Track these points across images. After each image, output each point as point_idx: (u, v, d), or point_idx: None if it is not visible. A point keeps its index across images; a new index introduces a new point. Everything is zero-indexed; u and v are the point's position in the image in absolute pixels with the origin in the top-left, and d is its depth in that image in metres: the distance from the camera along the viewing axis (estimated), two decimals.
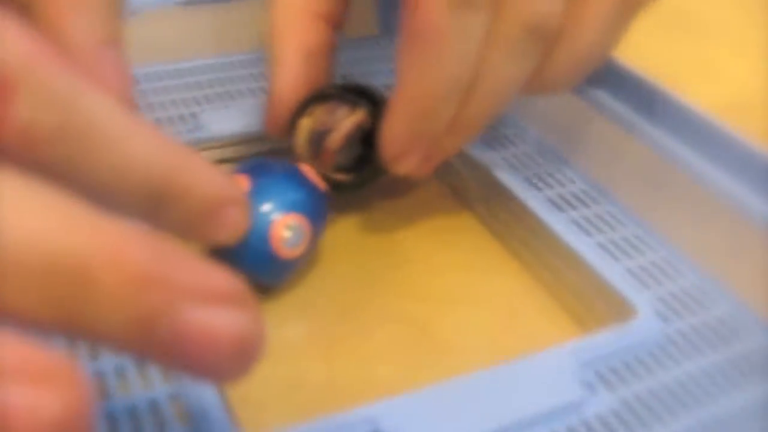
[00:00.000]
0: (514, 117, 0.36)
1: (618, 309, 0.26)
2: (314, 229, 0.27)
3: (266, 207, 0.26)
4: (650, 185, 0.30)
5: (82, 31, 0.21)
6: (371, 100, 0.29)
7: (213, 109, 0.36)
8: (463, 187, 0.34)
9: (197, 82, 0.38)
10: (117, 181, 0.17)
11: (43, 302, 0.13)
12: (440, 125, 0.27)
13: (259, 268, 0.26)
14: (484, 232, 0.32)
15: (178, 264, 0.14)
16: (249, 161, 0.28)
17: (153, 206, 0.18)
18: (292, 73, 0.30)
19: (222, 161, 0.34)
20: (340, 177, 0.29)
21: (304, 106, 0.29)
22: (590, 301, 0.27)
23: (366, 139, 0.29)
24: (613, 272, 0.27)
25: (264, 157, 0.31)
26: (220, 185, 0.20)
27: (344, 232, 0.31)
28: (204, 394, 0.22)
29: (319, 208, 0.28)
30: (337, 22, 0.32)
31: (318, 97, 0.29)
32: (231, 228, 0.21)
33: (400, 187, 0.34)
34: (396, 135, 0.27)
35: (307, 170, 0.28)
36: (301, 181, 0.27)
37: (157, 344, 0.14)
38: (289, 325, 0.27)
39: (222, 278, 0.15)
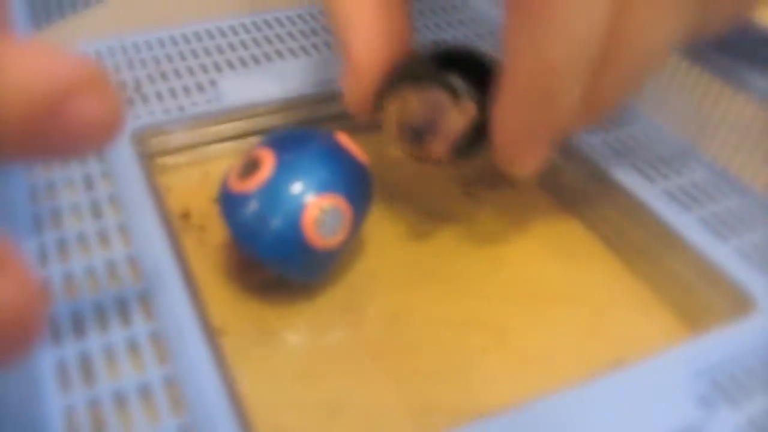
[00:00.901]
0: None
1: (732, 300, 0.21)
2: (356, 213, 0.22)
3: (295, 187, 0.22)
4: None
5: None
6: (473, 72, 0.23)
7: (234, 75, 0.31)
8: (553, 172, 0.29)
9: (217, 45, 0.33)
10: None
11: None
12: (566, 108, 0.20)
13: (291, 261, 0.22)
14: (564, 213, 0.27)
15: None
16: (275, 134, 0.24)
17: None
18: (369, 31, 0.23)
19: (244, 135, 0.29)
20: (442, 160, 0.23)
21: (390, 83, 0.23)
22: (698, 292, 0.22)
23: (475, 126, 0.23)
24: (723, 254, 0.22)
25: (292, 128, 0.26)
26: (50, 65, 0.13)
27: (393, 215, 0.26)
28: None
29: (361, 187, 0.23)
30: None
31: (407, 74, 0.23)
32: (88, 132, 0.14)
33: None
34: (511, 128, 0.21)
35: (345, 140, 0.23)
36: (338, 154, 0.23)
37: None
38: (332, 332, 0.23)
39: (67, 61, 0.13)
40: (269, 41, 0.33)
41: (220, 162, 0.28)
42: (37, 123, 0.13)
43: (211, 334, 0.20)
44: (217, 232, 0.25)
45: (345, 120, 0.27)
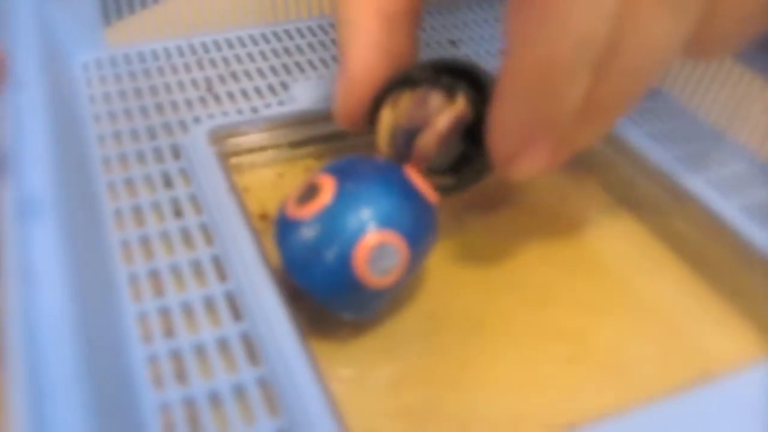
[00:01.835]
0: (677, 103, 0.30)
1: None
2: (413, 252, 0.21)
3: (353, 219, 0.20)
4: None
5: None
6: (473, 81, 0.22)
7: (305, 78, 0.31)
8: (604, 170, 0.29)
9: (285, 47, 0.33)
10: None
11: None
12: (568, 107, 0.20)
13: (338, 298, 0.21)
14: (637, 225, 0.27)
15: None
16: (340, 160, 0.22)
17: None
18: (370, 45, 0.23)
19: (315, 139, 0.29)
20: (435, 180, 0.22)
21: (386, 92, 0.23)
22: None
23: (468, 133, 0.22)
24: None
25: (358, 155, 0.23)
26: None
27: (456, 233, 0.26)
28: None
29: (423, 224, 0.21)
30: None
31: (403, 80, 0.23)
32: None
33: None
34: (508, 126, 0.20)
35: (414, 174, 0.22)
36: (404, 188, 0.21)
37: None
38: (415, 340, 0.23)
39: None
40: (336, 44, 0.33)
41: (292, 165, 0.28)
42: None
43: (303, 336, 0.20)
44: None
45: None
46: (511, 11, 0.19)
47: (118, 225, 0.24)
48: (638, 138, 0.28)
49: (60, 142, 0.22)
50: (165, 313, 0.21)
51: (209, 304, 0.21)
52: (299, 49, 0.33)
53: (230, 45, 0.33)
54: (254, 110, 0.29)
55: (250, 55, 0.32)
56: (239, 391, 0.19)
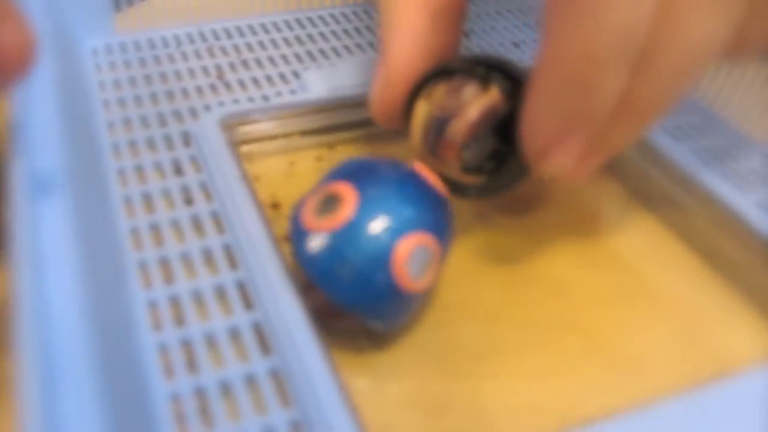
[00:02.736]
0: (695, 101, 0.30)
1: None
2: (443, 249, 0.21)
3: (384, 226, 0.20)
4: None
5: None
6: (508, 76, 0.22)
7: (316, 67, 0.31)
8: (620, 165, 0.28)
9: (296, 36, 0.33)
10: None
11: None
12: (604, 102, 0.19)
13: (375, 308, 0.20)
14: (653, 220, 0.27)
15: None
16: (347, 164, 0.22)
17: None
18: (413, 39, 0.23)
19: (327, 128, 0.29)
20: (468, 179, 0.22)
21: (421, 85, 0.23)
22: None
23: (502, 129, 0.22)
24: None
25: (365, 157, 0.22)
26: None
27: (472, 227, 0.26)
28: None
29: (445, 219, 0.21)
30: None
31: (439, 72, 0.22)
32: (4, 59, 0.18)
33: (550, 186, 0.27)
34: (542, 119, 0.20)
35: (424, 171, 0.22)
36: (421, 187, 0.21)
37: None
38: (430, 331, 0.22)
39: None
40: (348, 34, 0.33)
41: (303, 154, 0.28)
42: None
43: (317, 327, 0.20)
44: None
45: None
46: (551, 3, 0.19)
47: (128, 211, 0.23)
48: (654, 132, 0.27)
49: (70, 125, 0.22)
50: (175, 301, 0.21)
51: (220, 293, 0.21)
52: (311, 38, 0.33)
53: (241, 33, 0.33)
54: (265, 98, 0.29)
55: (261, 44, 0.32)
56: (251, 382, 0.19)
